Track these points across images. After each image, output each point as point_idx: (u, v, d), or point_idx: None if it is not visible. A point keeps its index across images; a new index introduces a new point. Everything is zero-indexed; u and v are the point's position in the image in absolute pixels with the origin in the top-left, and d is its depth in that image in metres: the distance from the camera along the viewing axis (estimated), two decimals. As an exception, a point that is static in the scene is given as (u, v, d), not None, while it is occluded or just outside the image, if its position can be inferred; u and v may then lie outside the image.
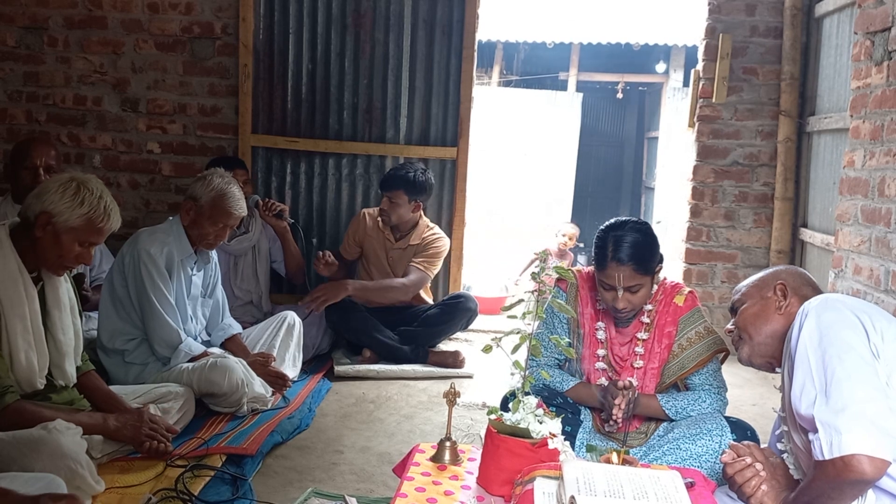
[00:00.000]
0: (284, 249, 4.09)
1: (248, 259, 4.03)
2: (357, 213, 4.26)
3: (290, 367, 3.54)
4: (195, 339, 3.20)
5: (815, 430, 1.62)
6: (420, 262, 4.03)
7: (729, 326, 2.08)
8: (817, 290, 1.96)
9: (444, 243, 4.13)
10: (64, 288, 2.47)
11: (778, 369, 1.95)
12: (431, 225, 4.18)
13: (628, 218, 2.55)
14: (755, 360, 1.99)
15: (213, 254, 3.36)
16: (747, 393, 3.82)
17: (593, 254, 2.52)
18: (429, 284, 4.25)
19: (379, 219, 4.11)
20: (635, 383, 2.52)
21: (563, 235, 6.33)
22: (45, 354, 2.36)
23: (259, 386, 3.13)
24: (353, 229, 4.19)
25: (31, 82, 4.58)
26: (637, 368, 2.57)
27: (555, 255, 6.22)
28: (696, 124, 4.53)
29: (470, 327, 4.28)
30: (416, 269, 4.02)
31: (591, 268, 2.60)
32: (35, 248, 2.32)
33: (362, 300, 3.96)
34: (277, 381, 3.26)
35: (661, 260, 2.53)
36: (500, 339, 1.99)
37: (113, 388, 2.72)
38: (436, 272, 4.16)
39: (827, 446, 1.58)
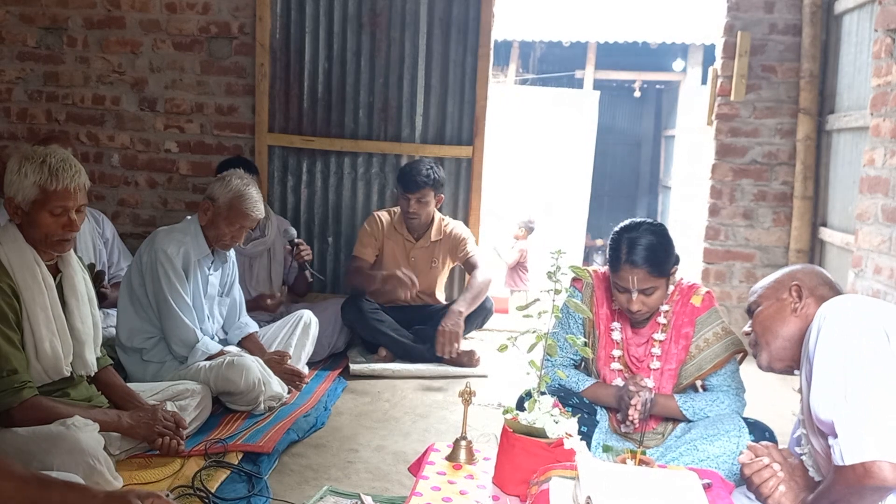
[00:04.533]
0: (298, 275, 4.13)
1: (264, 261, 4.04)
2: (371, 216, 4.13)
3: (306, 365, 3.56)
4: (212, 337, 3.22)
5: (835, 435, 1.60)
6: (473, 251, 4.08)
7: (746, 329, 2.06)
8: (835, 289, 1.92)
9: (464, 227, 4.19)
10: (80, 277, 2.49)
11: (797, 371, 1.93)
12: (443, 217, 4.16)
13: (643, 219, 2.51)
14: (775, 366, 1.95)
15: (231, 253, 3.38)
16: (766, 394, 3.78)
17: (607, 255, 2.50)
18: (443, 283, 4.25)
19: (404, 223, 4.01)
20: (651, 384, 2.51)
21: (520, 227, 7.99)
22: (67, 342, 2.39)
23: (276, 385, 3.15)
24: (372, 230, 4.04)
25: (51, 82, 4.63)
26: (654, 369, 2.55)
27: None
28: (715, 122, 4.50)
29: (484, 326, 4.29)
30: (479, 257, 4.09)
31: (607, 268, 2.58)
32: (27, 235, 2.32)
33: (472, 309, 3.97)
34: (293, 379, 3.28)
35: (676, 261, 2.50)
36: (515, 338, 1.99)
37: (131, 385, 2.75)
38: None
39: (847, 452, 1.56)
